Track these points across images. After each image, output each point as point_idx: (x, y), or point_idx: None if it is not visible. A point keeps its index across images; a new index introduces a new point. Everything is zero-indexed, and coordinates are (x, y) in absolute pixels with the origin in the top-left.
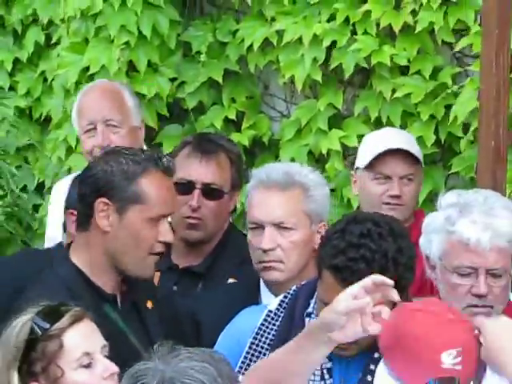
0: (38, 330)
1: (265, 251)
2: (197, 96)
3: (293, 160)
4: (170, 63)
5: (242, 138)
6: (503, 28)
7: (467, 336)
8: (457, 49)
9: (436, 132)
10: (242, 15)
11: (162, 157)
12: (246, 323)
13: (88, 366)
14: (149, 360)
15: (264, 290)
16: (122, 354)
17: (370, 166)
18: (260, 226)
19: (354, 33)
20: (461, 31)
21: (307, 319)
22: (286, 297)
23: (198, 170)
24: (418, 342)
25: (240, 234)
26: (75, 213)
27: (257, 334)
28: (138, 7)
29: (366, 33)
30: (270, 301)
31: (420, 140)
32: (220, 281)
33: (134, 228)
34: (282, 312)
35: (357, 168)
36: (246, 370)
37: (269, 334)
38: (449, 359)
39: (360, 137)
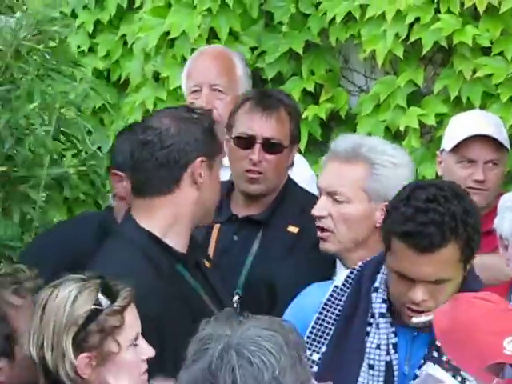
0: (104, 303)
1: (317, 218)
2: (276, 66)
3: (369, 135)
4: (251, 32)
5: (320, 111)
6: None
7: None
8: None
9: None
10: None
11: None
12: (310, 300)
13: (135, 346)
14: (216, 324)
15: (339, 265)
16: (196, 311)
17: (456, 149)
18: (321, 193)
19: (437, 11)
20: None
21: (374, 294)
22: (352, 272)
23: (260, 124)
24: (478, 326)
25: (298, 187)
26: (119, 173)
27: (323, 309)
28: None
29: (449, 11)
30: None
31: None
32: (280, 229)
33: (218, 177)
34: (348, 287)
35: (442, 150)
36: (311, 344)
37: (335, 309)
38: (510, 346)
39: (438, 115)
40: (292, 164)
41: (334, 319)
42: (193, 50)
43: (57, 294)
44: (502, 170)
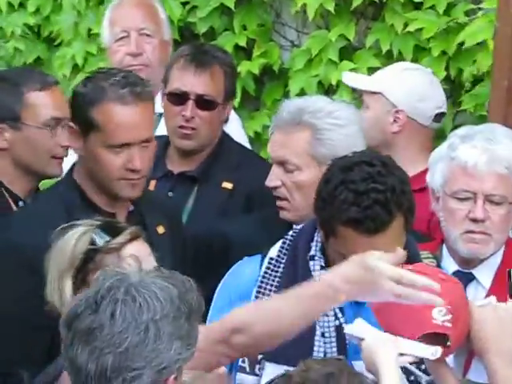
0: (99, 242)
1: (271, 188)
2: (208, 21)
3: (302, 90)
4: None
5: (252, 66)
6: None
7: (457, 295)
8: None
9: (447, 68)
10: None
11: (139, 83)
12: (246, 274)
13: None
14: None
15: None
16: None
17: None
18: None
19: None
20: None
21: (311, 262)
22: (284, 242)
23: (192, 81)
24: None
25: (234, 143)
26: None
27: (261, 282)
28: None
29: None
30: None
31: None
32: (214, 185)
33: (96, 154)
34: (282, 258)
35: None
36: None
37: (273, 280)
38: (439, 315)
39: (370, 69)
40: (227, 120)
41: (274, 291)
42: None
43: (63, 236)
44: None
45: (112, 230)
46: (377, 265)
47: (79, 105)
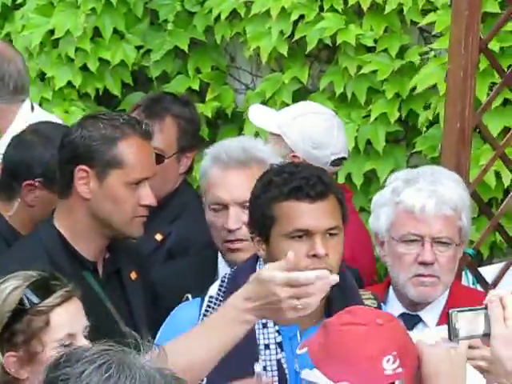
0: (27, 303)
1: (231, 231)
2: (162, 65)
3: (257, 133)
4: (137, 31)
5: (206, 110)
6: (473, 9)
7: (398, 336)
8: (423, 23)
9: (400, 110)
10: None
11: (141, 121)
12: (185, 317)
13: (68, 346)
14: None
15: (222, 265)
16: (100, 323)
17: None
18: (223, 206)
19: (321, 8)
20: (430, 11)
21: None
22: (223, 281)
23: None
24: (353, 354)
25: (191, 193)
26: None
27: (202, 320)
28: None
29: (333, 9)
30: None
31: (384, 117)
32: (148, 238)
33: (115, 193)
34: (222, 296)
35: None
36: None
37: None
38: (388, 365)
39: None
40: (188, 171)
41: None
42: (77, 49)
43: None
44: None
45: (44, 289)
46: (268, 274)
47: (94, 146)
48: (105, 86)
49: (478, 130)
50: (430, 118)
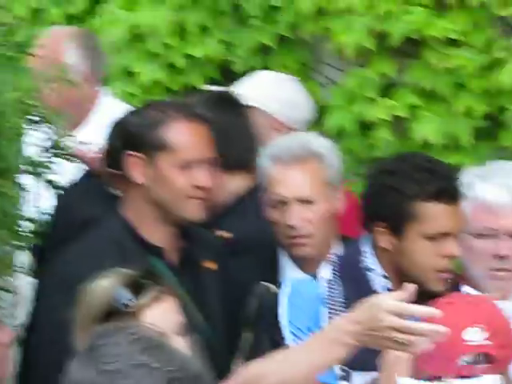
0: (118, 304)
1: (292, 227)
2: (248, 60)
3: (342, 128)
4: (222, 25)
5: None
6: None
7: (489, 313)
8: (507, 13)
9: (487, 105)
10: None
11: (191, 105)
12: (311, 294)
13: None
14: None
15: (288, 265)
16: None
17: None
18: (283, 203)
19: (407, 2)
20: None
21: (369, 273)
22: (333, 264)
23: None
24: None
25: None
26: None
27: (329, 303)
28: None
29: (419, 3)
30: (297, 275)
31: (470, 112)
32: None
33: (166, 175)
34: (338, 278)
35: None
36: None
37: (339, 299)
38: (476, 336)
39: (410, 107)
40: None
41: (343, 311)
42: (164, 44)
43: (91, 287)
44: None
45: (136, 288)
46: (379, 299)
47: (141, 130)
48: (190, 82)
49: None
50: None
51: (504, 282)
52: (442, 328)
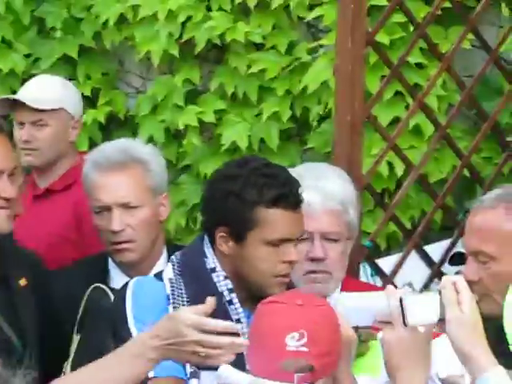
0: None
1: (115, 232)
2: (52, 72)
3: (151, 137)
4: (25, 39)
5: (98, 115)
6: (359, 2)
7: (313, 319)
8: (310, 17)
9: (292, 107)
10: None
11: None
12: (156, 294)
13: None
14: None
15: (113, 268)
16: None
17: None
18: (106, 208)
19: (209, 9)
20: (316, 6)
21: (213, 274)
22: (173, 264)
23: None
24: (264, 329)
25: None
26: None
27: (173, 302)
28: None
29: (220, 9)
30: (122, 280)
31: (276, 115)
32: None
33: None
34: (180, 278)
35: None
36: None
37: (182, 299)
38: (292, 341)
39: (217, 112)
40: None
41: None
42: None
43: None
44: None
45: None
46: (180, 314)
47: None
48: None
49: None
50: (321, 113)
51: (320, 285)
52: (240, 340)
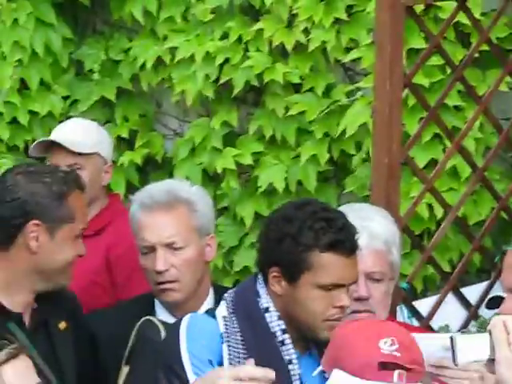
0: None
1: (159, 272)
2: (90, 114)
3: (187, 179)
4: (63, 81)
5: (135, 157)
6: (396, 43)
7: (399, 329)
8: (346, 60)
9: (329, 150)
10: (134, 33)
11: (78, 176)
12: (209, 330)
13: None
14: None
15: (160, 308)
16: None
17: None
18: (151, 249)
19: (246, 50)
20: (353, 49)
21: (267, 314)
22: (227, 302)
23: None
24: (352, 335)
25: None
26: None
27: (227, 340)
28: (30, 25)
29: (258, 51)
30: (168, 320)
31: (314, 158)
32: None
33: (63, 245)
34: (233, 317)
35: None
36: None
37: (235, 336)
38: (386, 346)
39: (254, 154)
40: None
41: (241, 348)
42: (5, 102)
43: None
44: None
45: None
46: (215, 371)
47: (45, 202)
48: (34, 137)
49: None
50: (364, 157)
51: None
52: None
